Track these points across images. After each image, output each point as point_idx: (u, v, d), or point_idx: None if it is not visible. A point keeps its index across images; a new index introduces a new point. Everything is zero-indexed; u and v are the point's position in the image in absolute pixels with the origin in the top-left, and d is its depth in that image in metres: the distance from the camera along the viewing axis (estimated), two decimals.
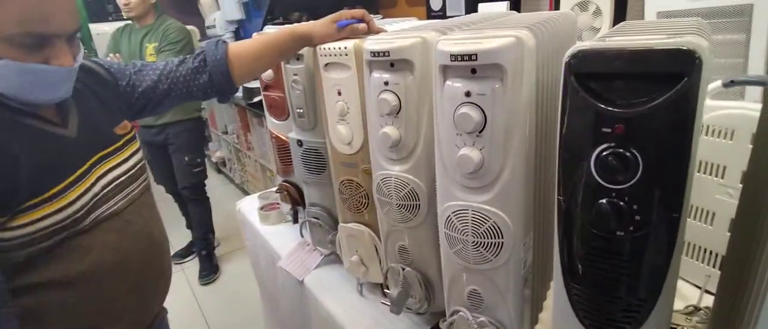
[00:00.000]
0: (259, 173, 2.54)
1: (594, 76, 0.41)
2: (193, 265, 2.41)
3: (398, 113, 0.63)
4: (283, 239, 1.09)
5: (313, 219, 0.95)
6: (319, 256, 0.98)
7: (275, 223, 1.15)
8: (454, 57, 0.51)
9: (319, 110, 0.85)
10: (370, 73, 0.65)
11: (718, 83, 0.72)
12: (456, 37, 0.53)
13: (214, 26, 2.58)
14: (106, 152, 0.72)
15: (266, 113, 1.06)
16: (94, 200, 0.69)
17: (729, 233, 0.71)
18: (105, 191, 0.71)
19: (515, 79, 0.49)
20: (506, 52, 0.48)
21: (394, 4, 2.17)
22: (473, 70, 0.51)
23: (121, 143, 0.75)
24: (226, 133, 2.96)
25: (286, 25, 0.87)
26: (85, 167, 0.68)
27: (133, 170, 0.77)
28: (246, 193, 2.75)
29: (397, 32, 0.71)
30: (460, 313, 0.62)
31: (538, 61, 0.54)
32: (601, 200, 0.42)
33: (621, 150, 0.40)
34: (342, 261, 0.90)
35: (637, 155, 0.40)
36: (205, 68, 0.82)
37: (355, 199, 0.81)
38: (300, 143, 0.91)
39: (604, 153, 0.41)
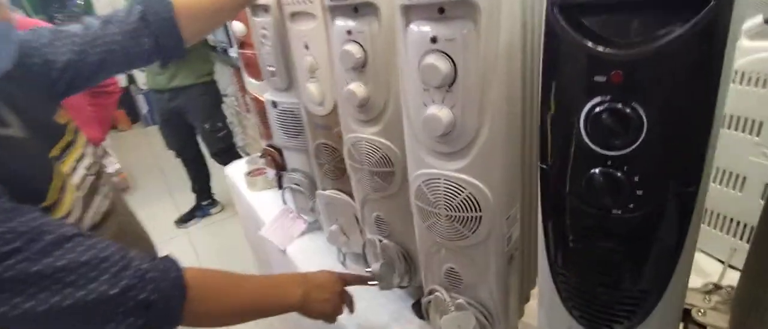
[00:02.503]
0: (258, 136, 2.49)
1: (585, 8, 0.31)
2: (196, 230, 2.42)
3: (364, 66, 0.54)
4: (269, 205, 1.04)
5: (294, 186, 0.88)
6: (302, 224, 0.92)
7: (262, 189, 1.10)
8: None
9: (293, 67, 0.76)
10: (333, 21, 0.55)
11: (759, 19, 0.59)
12: None
13: None
14: (59, 147, 0.56)
15: (243, 72, 0.97)
16: (82, 205, 0.56)
17: (763, 201, 0.60)
18: (84, 195, 0.57)
19: (491, 21, 0.39)
20: None
21: None
22: (441, 10, 0.41)
23: (70, 135, 0.59)
24: (225, 95, 2.90)
25: None
26: (53, 173, 0.53)
27: (97, 170, 0.63)
28: (247, 155, 2.73)
29: None
30: (437, 293, 0.55)
31: None
32: (592, 170, 0.33)
33: (619, 105, 0.30)
34: None
35: (641, 111, 0.30)
36: (147, 29, 0.64)
37: (332, 164, 0.74)
38: (274, 104, 0.83)
39: (598, 109, 0.31)
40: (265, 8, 0.75)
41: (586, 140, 0.33)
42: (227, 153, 2.13)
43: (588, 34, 0.31)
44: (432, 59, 0.41)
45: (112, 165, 2.84)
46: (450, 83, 0.42)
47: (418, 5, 0.41)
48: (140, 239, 0.70)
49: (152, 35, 0.65)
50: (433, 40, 0.41)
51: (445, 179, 0.47)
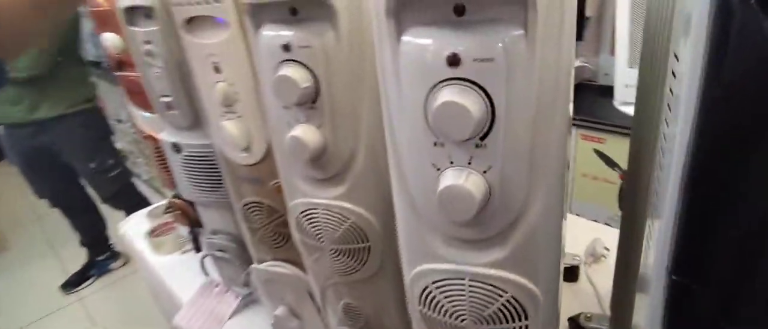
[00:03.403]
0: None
1: None
2: (92, 294, 1.91)
3: (315, 100, 0.34)
4: (185, 273, 0.79)
5: (218, 252, 0.66)
6: (234, 299, 0.70)
7: (172, 251, 0.84)
8: None
9: (198, 97, 0.54)
10: (257, 30, 0.35)
11: None
12: None
13: None
14: None
15: (129, 102, 0.72)
16: None
17: None
18: None
19: (550, 29, 0.23)
20: None
21: None
22: (459, 11, 0.23)
23: None
24: (119, 121, 2.40)
25: None
26: None
27: None
28: (157, 192, 2.31)
29: None
30: None
31: None
32: None
33: None
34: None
35: None
36: None
37: (270, 229, 0.53)
38: (177, 148, 0.59)
39: None
40: (147, 12, 0.52)
41: None
42: (123, 196, 1.67)
43: None
44: (454, 96, 0.24)
45: None
46: (483, 134, 0.25)
47: (427, 1, 0.23)
48: None
49: None
50: (453, 60, 0.24)
51: (472, 280, 0.29)
